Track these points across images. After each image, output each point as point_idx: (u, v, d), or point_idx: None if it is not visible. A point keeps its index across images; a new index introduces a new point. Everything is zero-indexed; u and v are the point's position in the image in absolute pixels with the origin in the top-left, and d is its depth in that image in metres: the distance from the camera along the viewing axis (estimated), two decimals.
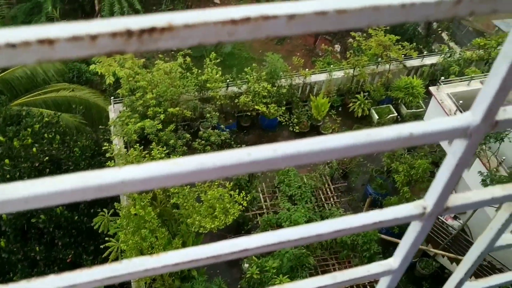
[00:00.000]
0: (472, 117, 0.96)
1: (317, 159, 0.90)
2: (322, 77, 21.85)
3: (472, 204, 1.20)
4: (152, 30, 0.64)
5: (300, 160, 0.89)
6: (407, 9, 0.73)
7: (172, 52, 20.56)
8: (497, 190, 1.21)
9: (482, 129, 0.97)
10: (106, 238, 14.61)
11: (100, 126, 19.48)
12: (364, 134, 0.92)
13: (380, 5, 0.71)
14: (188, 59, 19.40)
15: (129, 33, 0.63)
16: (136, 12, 29.68)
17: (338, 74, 21.94)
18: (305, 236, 1.09)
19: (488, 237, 1.40)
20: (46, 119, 17.32)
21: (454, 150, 1.04)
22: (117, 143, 17.65)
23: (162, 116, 17.42)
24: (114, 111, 19.58)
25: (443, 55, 23.09)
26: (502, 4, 0.76)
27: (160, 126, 16.78)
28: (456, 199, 1.18)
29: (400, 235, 17.33)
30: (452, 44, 31.00)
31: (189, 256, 1.04)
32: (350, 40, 22.89)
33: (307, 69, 21.66)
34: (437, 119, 0.96)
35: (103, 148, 15.86)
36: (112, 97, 20.09)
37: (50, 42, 0.61)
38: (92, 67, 19.03)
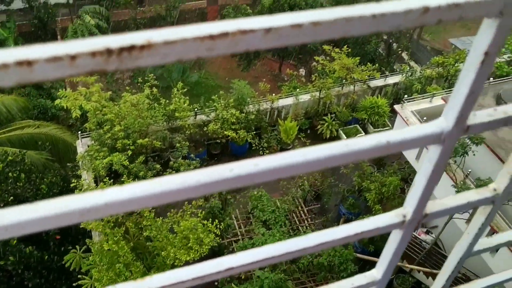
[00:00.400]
0: (445, 122, 0.99)
1: (298, 171, 0.91)
2: (289, 101, 22.10)
3: (449, 209, 1.22)
4: (131, 48, 0.64)
5: (281, 173, 0.90)
6: (378, 19, 0.75)
7: (139, 84, 20.47)
8: (472, 195, 1.24)
9: (455, 134, 1.00)
10: (79, 276, 14.18)
11: (68, 164, 19.11)
12: (343, 145, 0.94)
13: (352, 16, 0.74)
14: (155, 90, 19.37)
15: (108, 52, 0.63)
16: None
17: (305, 97, 22.25)
18: (290, 251, 1.09)
19: (466, 242, 1.43)
20: (10, 157, 16.88)
21: (429, 156, 1.07)
22: (86, 178, 17.32)
23: (131, 148, 17.23)
24: (81, 145, 19.28)
25: (404, 74, 23.74)
26: (467, 11, 0.80)
27: (126, 163, 16.56)
28: (434, 206, 1.21)
29: (375, 253, 17.42)
30: (412, 63, 31.93)
31: (172, 278, 1.03)
32: (314, 63, 23.32)
33: (274, 94, 21.88)
34: (413, 126, 0.98)
35: (72, 184, 15.52)
36: (79, 132, 19.80)
37: (29, 63, 0.60)
38: (57, 101, 18.75)
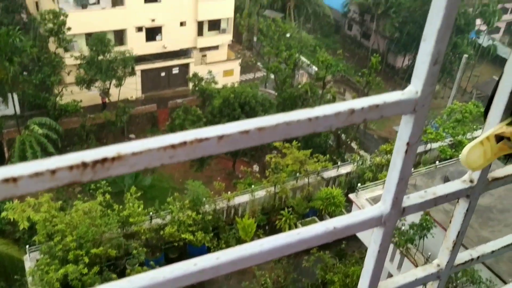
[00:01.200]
0: (384, 206, 1.12)
1: (257, 261, 0.99)
2: (245, 198, 22.21)
3: (400, 287, 1.31)
4: (104, 160, 0.74)
5: (242, 263, 0.98)
6: (313, 122, 0.89)
7: (91, 191, 20.16)
8: (419, 271, 1.34)
9: (393, 216, 1.12)
10: None
11: (16, 281, 18.04)
12: (295, 233, 1.04)
13: (291, 121, 0.87)
14: (107, 196, 19.09)
15: (84, 165, 0.73)
16: (50, 155, 29.25)
17: (260, 193, 22.45)
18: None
19: None
20: None
21: (374, 239, 1.17)
22: None
23: (85, 259, 16.55)
24: (30, 260, 18.34)
25: (356, 163, 24.57)
26: (386, 111, 0.95)
27: (85, 271, 15.85)
28: (386, 284, 1.30)
29: None
30: (362, 152, 33.21)
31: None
32: (267, 159, 23.85)
33: (229, 192, 21.99)
34: (356, 212, 1.10)
35: None
36: (27, 246, 18.91)
37: (14, 180, 0.68)
38: (3, 214, 18.08)
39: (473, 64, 50.63)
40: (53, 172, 0.71)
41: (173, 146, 0.79)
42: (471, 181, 1.27)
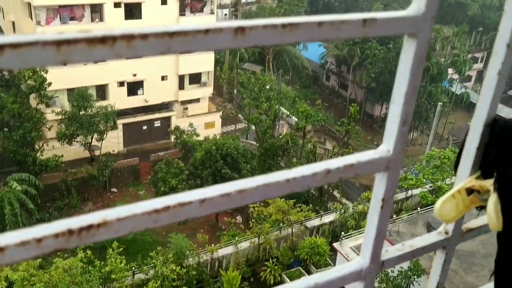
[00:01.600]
0: (363, 260, 1.15)
1: None
2: (229, 250, 21.91)
3: None
4: (89, 227, 0.76)
5: None
6: (291, 182, 0.93)
7: None
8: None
9: (373, 270, 1.15)
10: None
11: None
12: None
13: (270, 182, 0.91)
14: (88, 252, 18.65)
15: (70, 232, 0.75)
16: (29, 211, 28.66)
17: (244, 244, 22.18)
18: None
19: None
20: None
21: None
22: None
23: None
24: None
25: (338, 212, 24.57)
26: (360, 169, 1.00)
27: None
28: None
29: None
30: (344, 200, 33.25)
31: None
32: (251, 209, 23.70)
33: (213, 244, 21.68)
34: (336, 267, 1.13)
35: None
36: None
37: (1, 249, 0.70)
38: None
39: (448, 112, 52.03)
40: (39, 240, 0.73)
41: (156, 211, 0.81)
42: (446, 232, 1.31)
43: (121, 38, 0.67)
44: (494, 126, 1.17)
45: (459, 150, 1.26)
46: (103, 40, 0.66)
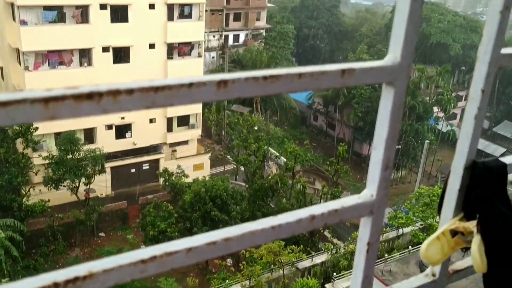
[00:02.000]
0: None
1: None
2: None
3: None
4: (75, 279, 0.76)
5: None
6: (276, 229, 0.94)
7: None
8: None
9: None
10: None
11: None
12: None
13: (256, 230, 0.92)
14: None
15: (55, 285, 0.75)
16: (14, 258, 28.01)
17: None
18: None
19: None
20: None
21: None
22: None
23: None
24: None
25: (330, 252, 24.31)
26: (344, 215, 1.01)
27: None
28: None
29: None
30: (335, 240, 32.96)
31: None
32: (242, 251, 23.39)
33: None
34: None
35: None
36: None
37: None
38: None
39: (435, 149, 52.59)
40: None
41: (143, 261, 0.82)
42: (434, 274, 1.31)
43: (107, 94, 0.70)
44: (474, 168, 1.20)
45: (441, 192, 1.28)
46: (90, 96, 0.69)
